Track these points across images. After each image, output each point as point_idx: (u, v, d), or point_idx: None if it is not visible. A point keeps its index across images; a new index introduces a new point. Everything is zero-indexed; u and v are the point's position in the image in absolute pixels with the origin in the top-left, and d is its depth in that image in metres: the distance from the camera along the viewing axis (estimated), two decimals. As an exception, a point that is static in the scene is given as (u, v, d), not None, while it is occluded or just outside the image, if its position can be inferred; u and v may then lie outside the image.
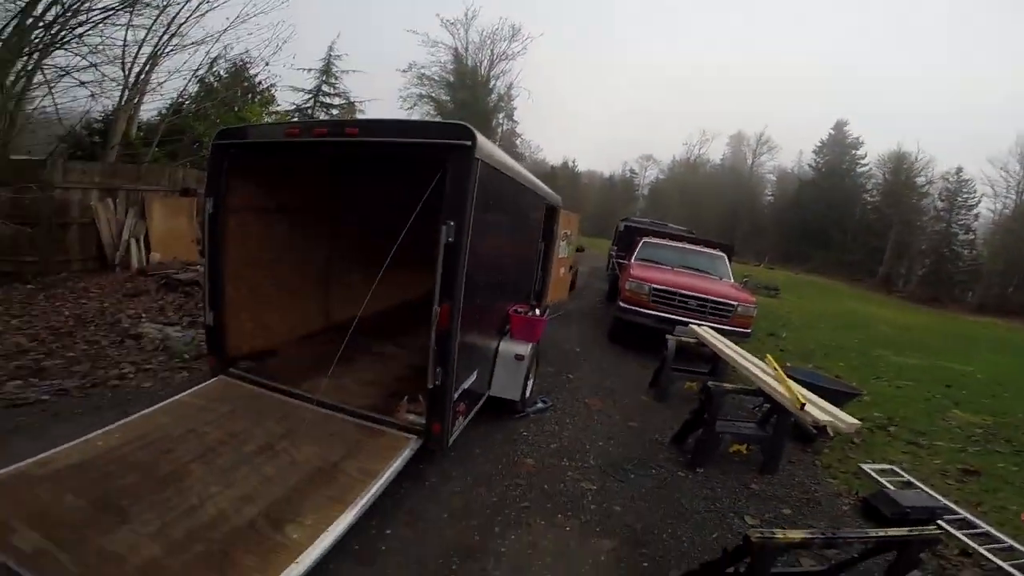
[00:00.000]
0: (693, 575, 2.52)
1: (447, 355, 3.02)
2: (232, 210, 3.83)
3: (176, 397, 3.42)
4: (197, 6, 11.39)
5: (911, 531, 2.25)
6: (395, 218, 6.92)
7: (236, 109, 14.47)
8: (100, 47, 10.16)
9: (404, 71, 37.07)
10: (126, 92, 11.10)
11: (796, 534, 2.10)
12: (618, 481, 3.82)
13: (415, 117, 37.14)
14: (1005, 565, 3.34)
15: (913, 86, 70.47)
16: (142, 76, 11.36)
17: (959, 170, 41.49)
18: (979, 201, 40.80)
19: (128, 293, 7.37)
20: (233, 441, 2.89)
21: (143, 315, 6.40)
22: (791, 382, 4.13)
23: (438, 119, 35.88)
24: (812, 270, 42.52)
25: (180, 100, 13.13)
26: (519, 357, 4.35)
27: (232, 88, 14.60)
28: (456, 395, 3.25)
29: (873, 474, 4.59)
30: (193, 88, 13.47)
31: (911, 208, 43.05)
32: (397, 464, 2.88)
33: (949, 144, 69.60)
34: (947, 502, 4.13)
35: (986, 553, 3.46)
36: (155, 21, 10.89)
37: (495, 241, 3.81)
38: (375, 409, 3.49)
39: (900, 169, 44.73)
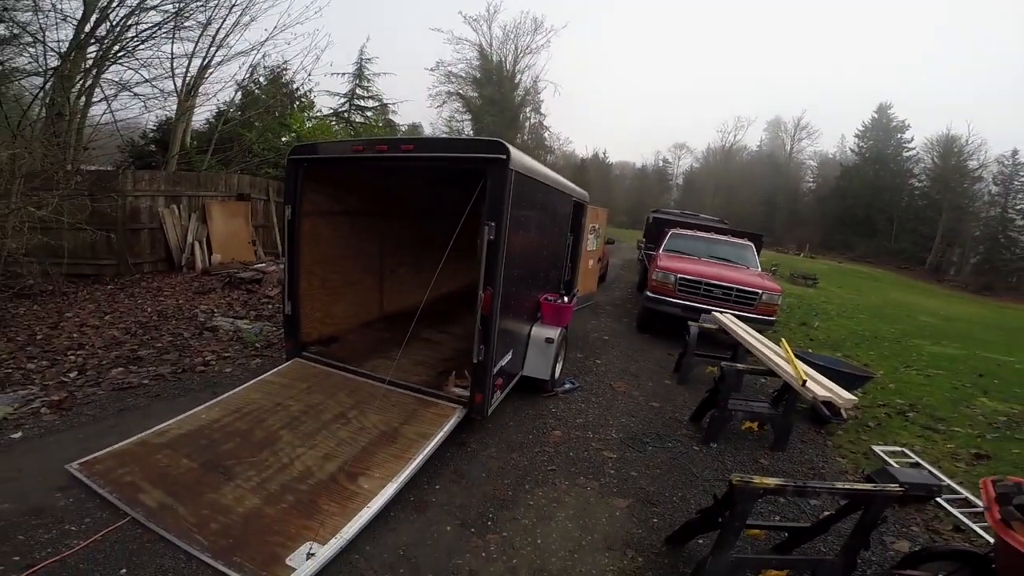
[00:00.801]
0: (691, 525, 2.92)
1: (488, 335, 3.57)
2: (305, 215, 4.50)
3: (261, 377, 4.11)
4: (238, 19, 12.18)
5: (875, 486, 2.53)
6: (437, 219, 7.60)
7: (276, 114, 15.38)
8: (151, 60, 11.03)
9: (431, 70, 37.96)
10: (179, 103, 11.95)
11: (771, 480, 2.41)
12: (636, 452, 4.27)
13: (444, 114, 38.01)
14: (992, 540, 3.59)
15: (962, 65, 66.69)
16: (192, 87, 12.21)
17: (1014, 153, 39.41)
18: (1038, 185, 38.61)
19: (198, 291, 8.24)
20: (312, 412, 3.53)
21: (215, 310, 7.22)
22: (798, 362, 4.46)
23: (469, 119, 36.54)
24: (857, 259, 41.21)
25: (227, 109, 14.05)
26: (549, 340, 4.87)
27: (273, 96, 15.47)
28: (495, 371, 3.78)
29: (882, 455, 4.79)
30: (238, 97, 14.40)
31: (962, 193, 41.12)
32: (447, 428, 3.46)
33: (1003, 126, 65.62)
34: (951, 482, 4.31)
35: (977, 529, 3.66)
36: (201, 35, 11.71)
37: (528, 237, 4.33)
38: (427, 384, 4.11)
39: (950, 153, 42.78)
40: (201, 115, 14.08)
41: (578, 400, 5.26)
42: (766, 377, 5.85)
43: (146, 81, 11.12)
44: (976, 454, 5.09)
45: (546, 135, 43.56)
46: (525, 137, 40.02)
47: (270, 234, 12.27)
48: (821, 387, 4.09)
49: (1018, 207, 39.28)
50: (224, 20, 11.90)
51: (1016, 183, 39.46)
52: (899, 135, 48.10)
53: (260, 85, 15.77)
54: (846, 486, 2.57)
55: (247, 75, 14.07)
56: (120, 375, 4.86)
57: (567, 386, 5.48)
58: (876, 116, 49.63)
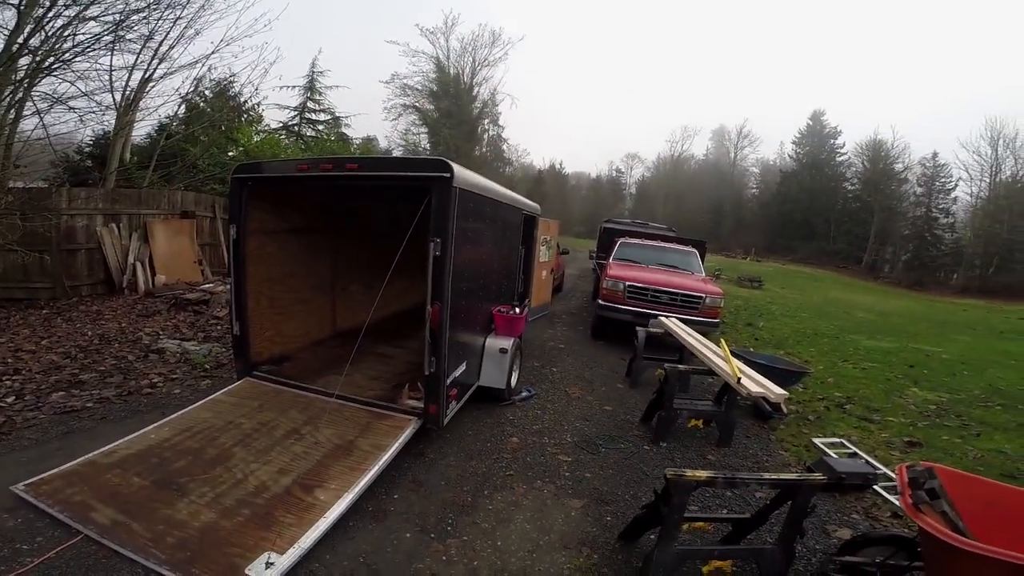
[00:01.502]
0: (639, 520, 3.06)
1: (439, 347, 3.65)
2: (251, 233, 4.47)
3: (211, 396, 4.04)
4: (182, 32, 11.77)
5: (799, 476, 2.74)
6: (388, 236, 7.61)
7: (223, 129, 14.98)
8: (88, 73, 10.48)
9: (386, 83, 37.76)
10: (118, 117, 11.42)
11: (702, 473, 2.57)
12: (590, 454, 4.42)
13: (400, 127, 37.83)
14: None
15: (885, 72, 71.97)
16: (133, 101, 11.69)
17: (935, 155, 42.82)
18: (956, 185, 42.12)
19: (142, 314, 7.92)
20: (265, 429, 3.51)
21: (161, 333, 6.96)
22: (734, 360, 4.76)
23: (425, 132, 36.48)
24: (799, 261, 43.47)
25: (170, 123, 13.54)
26: (503, 351, 5.00)
27: (219, 109, 15.05)
28: (448, 382, 3.86)
29: (822, 446, 5.07)
30: (182, 111, 13.87)
31: (891, 195, 44.16)
32: (402, 439, 3.50)
33: (922, 129, 71.26)
34: (886, 470, 4.56)
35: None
36: (142, 47, 11.27)
37: (477, 252, 4.45)
38: (381, 398, 4.15)
39: (878, 157, 45.87)
40: (142, 129, 13.54)
41: (535, 407, 5.39)
42: (712, 377, 6.15)
43: (83, 95, 10.53)
44: (909, 442, 5.42)
45: (504, 147, 44.10)
46: (484, 149, 40.38)
47: (217, 252, 11.87)
48: (754, 383, 4.38)
49: (940, 207, 42.49)
50: (168, 33, 11.52)
51: (937, 184, 42.71)
52: (832, 141, 51.25)
53: (206, 99, 15.33)
54: (772, 476, 2.76)
55: (191, 88, 13.63)
56: (61, 399, 4.67)
57: (524, 394, 5.60)
58: (811, 123, 52.68)
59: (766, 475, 2.80)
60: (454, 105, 37.33)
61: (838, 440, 5.32)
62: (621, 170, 67.42)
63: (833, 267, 41.96)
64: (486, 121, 40.53)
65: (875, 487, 4.06)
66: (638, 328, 6.60)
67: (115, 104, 11.33)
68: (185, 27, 11.72)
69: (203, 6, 11.71)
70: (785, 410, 5.84)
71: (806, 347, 10.48)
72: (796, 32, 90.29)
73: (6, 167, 8.90)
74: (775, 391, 4.23)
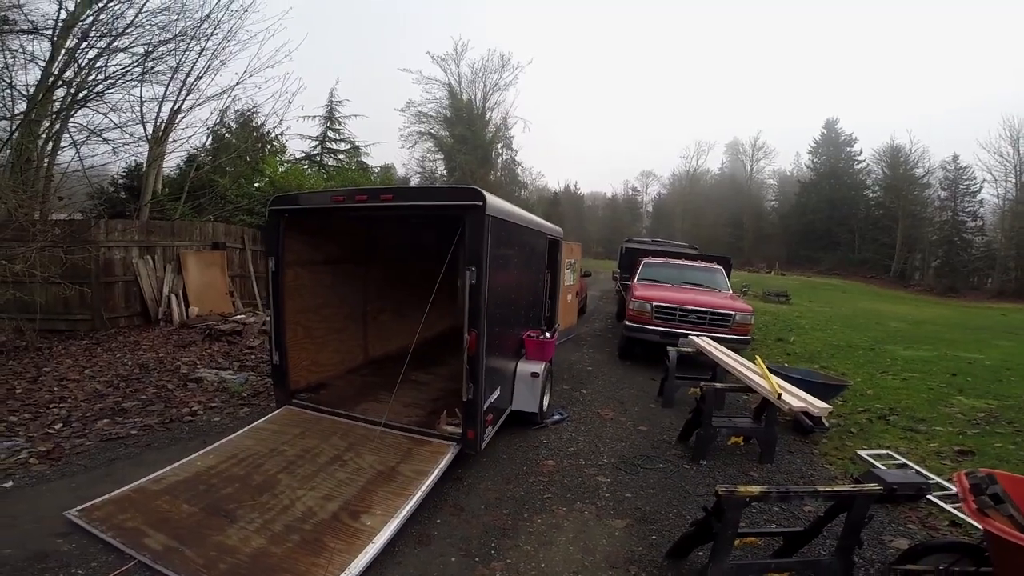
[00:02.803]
0: (688, 537, 3.01)
1: (476, 373, 3.67)
2: (288, 265, 4.58)
3: (253, 424, 4.11)
4: (208, 63, 12.28)
5: (854, 487, 2.70)
6: (415, 264, 7.73)
7: (248, 159, 15.47)
8: (120, 104, 11.01)
9: (401, 111, 38.75)
10: (150, 148, 11.86)
11: (754, 488, 2.54)
12: (629, 475, 4.36)
13: (417, 154, 38.59)
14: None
15: (895, 78, 71.27)
16: (163, 132, 12.15)
17: (955, 158, 41.95)
18: (981, 187, 41.02)
19: (178, 344, 8.13)
20: (308, 455, 3.55)
21: (197, 362, 7.14)
22: (772, 376, 4.67)
23: (441, 159, 37.09)
24: (824, 272, 42.59)
25: (198, 154, 14.03)
26: (534, 375, 4.99)
27: (244, 140, 15.53)
28: (485, 407, 3.87)
29: (868, 458, 4.92)
30: (208, 142, 14.41)
31: (914, 200, 43.19)
32: (443, 464, 3.50)
33: (937, 133, 70.18)
34: (939, 479, 4.44)
35: (972, 521, 3.67)
36: (171, 78, 11.76)
37: (508, 278, 4.49)
38: (419, 424, 4.17)
39: (896, 162, 45.09)
40: (172, 161, 14.03)
41: (568, 429, 5.34)
42: (747, 394, 6.05)
43: (116, 127, 11.07)
44: (960, 450, 5.23)
45: (519, 170, 44.62)
46: (498, 174, 40.91)
47: (247, 284, 12.14)
48: (796, 399, 4.31)
49: (966, 210, 41.36)
50: (194, 64, 12.01)
51: (960, 187, 41.65)
52: (848, 148, 50.60)
53: (231, 129, 15.88)
54: (827, 488, 2.72)
55: (217, 120, 14.10)
56: (106, 426, 4.83)
57: (556, 417, 5.56)
58: (825, 132, 52.25)
59: (820, 487, 2.76)
60: (468, 130, 38.01)
61: (884, 452, 5.17)
62: (637, 188, 67.47)
63: (861, 277, 41.00)
64: (499, 145, 41.16)
65: (929, 497, 3.95)
66: (669, 348, 6.55)
67: (147, 135, 11.79)
68: (211, 58, 12.26)
69: (226, 37, 12.25)
70: (827, 424, 5.69)
71: (841, 360, 10.20)
72: (803, 42, 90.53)
73: (47, 199, 9.28)
74: (818, 405, 4.17)
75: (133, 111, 11.37)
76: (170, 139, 12.52)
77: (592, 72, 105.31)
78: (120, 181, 13.20)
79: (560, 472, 4.31)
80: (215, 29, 11.90)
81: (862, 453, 5.10)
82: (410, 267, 7.40)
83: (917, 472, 4.55)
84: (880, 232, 44.69)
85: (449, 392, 5.08)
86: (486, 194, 3.62)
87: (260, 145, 16.38)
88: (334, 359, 5.46)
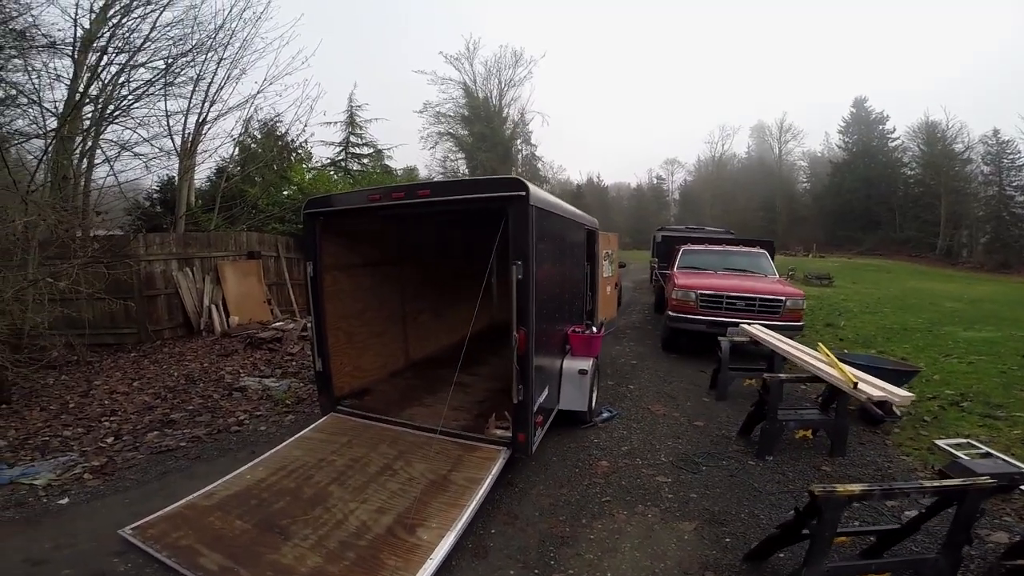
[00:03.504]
0: (772, 540, 2.78)
1: (526, 374, 3.48)
2: (326, 269, 4.47)
3: (300, 434, 4.02)
4: (228, 72, 12.35)
5: (965, 481, 2.43)
6: (450, 261, 7.55)
7: (275, 168, 15.60)
8: (147, 119, 11.15)
9: (420, 112, 38.77)
10: (180, 161, 12.01)
11: (855, 487, 2.34)
12: (691, 473, 4.11)
13: (438, 155, 38.65)
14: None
15: (922, 51, 67.65)
16: (191, 145, 12.27)
17: (996, 132, 39.34)
18: (1027, 160, 38.41)
19: (220, 354, 8.21)
20: (358, 465, 3.43)
21: (240, 371, 7.17)
22: (842, 364, 4.33)
23: (463, 158, 37.06)
24: (865, 253, 40.94)
25: (225, 165, 14.17)
26: (583, 372, 4.75)
27: (270, 149, 15.65)
28: (535, 408, 3.66)
29: (949, 448, 4.60)
30: (235, 153, 14.54)
31: (956, 176, 40.96)
32: (495, 470, 3.33)
33: (976, 106, 66.41)
34: None
35: None
36: (193, 90, 11.86)
37: (552, 272, 4.27)
38: (467, 429, 4.01)
39: (934, 139, 42.88)
40: (202, 173, 14.22)
41: (619, 427, 5.11)
42: (804, 384, 5.69)
43: (145, 140, 11.24)
44: None
45: (539, 165, 44.19)
46: (519, 169, 40.62)
47: (283, 291, 12.27)
48: (874, 388, 3.97)
49: (1014, 184, 38.98)
50: (215, 74, 12.12)
51: (1005, 161, 39.27)
52: (880, 126, 48.29)
53: (256, 140, 16.09)
54: (935, 484, 2.50)
55: (242, 130, 14.29)
56: (156, 438, 4.86)
57: (605, 415, 5.33)
58: (854, 111, 49.96)
59: (926, 482, 2.60)
60: (487, 128, 37.85)
61: (964, 440, 4.83)
62: (662, 176, 66.01)
63: (905, 256, 39.19)
64: (519, 141, 40.79)
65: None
66: (721, 338, 6.23)
67: (175, 148, 11.98)
68: (230, 68, 12.34)
69: (242, 46, 12.33)
70: (898, 412, 5.31)
71: (898, 344, 9.64)
72: (820, 14, 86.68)
73: (87, 215, 9.50)
74: (900, 394, 3.84)
75: (160, 125, 11.58)
76: (198, 151, 12.70)
77: (608, 61, 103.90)
78: (155, 195, 13.47)
79: (616, 473, 4.09)
80: (231, 39, 12.03)
81: (941, 443, 4.78)
82: (444, 265, 7.27)
83: (1006, 461, 4.21)
84: (922, 210, 42.56)
85: (494, 393, 4.91)
86: (528, 183, 3.42)
87: (286, 153, 16.56)
88: (376, 363, 5.36)
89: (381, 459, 3.52)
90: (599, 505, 3.59)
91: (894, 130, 47.40)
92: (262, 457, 3.64)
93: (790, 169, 57.89)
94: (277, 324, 9.80)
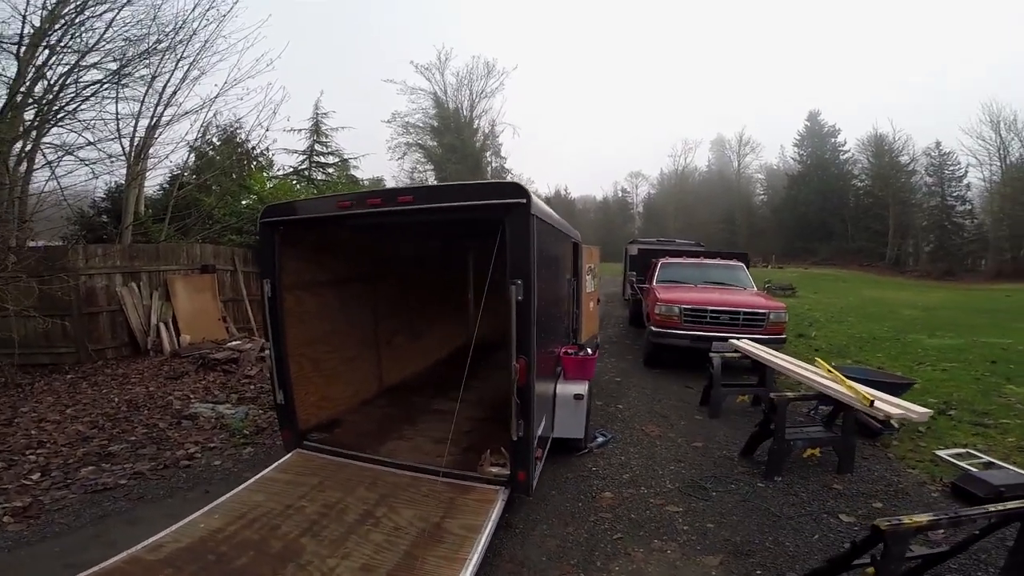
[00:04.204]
0: (819, 572, 2.57)
1: (528, 408, 3.06)
2: (286, 288, 3.87)
3: (261, 474, 3.45)
4: (186, 73, 11.48)
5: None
6: (428, 277, 7.01)
7: (234, 176, 14.69)
8: (94, 121, 10.15)
9: (388, 122, 38.06)
10: (129, 167, 11.04)
11: (922, 518, 2.23)
12: (701, 500, 3.81)
13: (406, 166, 37.96)
14: None
15: (870, 66, 72.01)
16: (141, 150, 11.33)
17: (938, 144, 42.13)
18: (966, 171, 41.17)
19: (169, 376, 7.45)
20: (333, 513, 2.91)
21: (191, 396, 6.47)
22: (851, 381, 4.17)
23: (431, 169, 36.53)
24: (821, 263, 42.49)
25: (180, 172, 13.23)
26: (578, 396, 4.35)
27: (228, 156, 14.72)
28: (535, 443, 3.27)
29: (951, 459, 4.53)
30: (191, 159, 13.61)
31: (903, 187, 43.32)
32: (494, 515, 2.88)
33: (919, 120, 71.17)
34: None
35: None
36: (147, 91, 10.95)
37: (547, 289, 3.82)
38: (456, 465, 3.52)
39: (881, 151, 45.21)
40: (154, 180, 13.28)
41: (615, 453, 4.76)
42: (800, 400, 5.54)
43: (91, 144, 10.23)
44: None
45: (509, 177, 44.06)
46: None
47: (240, 307, 11.41)
48: (891, 405, 3.84)
49: (954, 194, 41.54)
50: (171, 75, 11.29)
51: (946, 172, 41.84)
52: (832, 139, 50.59)
53: (214, 146, 15.19)
54: (1000, 508, 2.42)
55: (199, 134, 13.31)
56: (92, 475, 4.22)
57: (599, 440, 4.96)
58: (808, 124, 52.17)
59: (990, 507, 2.44)
60: (457, 139, 37.51)
61: (963, 451, 4.77)
62: (627, 190, 67.20)
63: (857, 266, 40.89)
64: (488, 153, 40.56)
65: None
66: (712, 354, 6.05)
67: (124, 153, 11.00)
68: (189, 68, 11.51)
69: (204, 46, 11.54)
70: (896, 425, 5.18)
71: (871, 353, 9.75)
72: (778, 35, 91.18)
73: (7, 223, 8.50)
74: (917, 410, 3.71)
75: (109, 128, 10.64)
76: (149, 156, 11.81)
77: (577, 76, 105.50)
78: (101, 204, 12.40)
79: (622, 505, 3.73)
80: (192, 38, 11.25)
81: (942, 454, 4.70)
82: (420, 280, 6.77)
83: (1017, 472, 4.14)
84: (872, 220, 44.72)
85: (482, 423, 4.44)
86: (529, 189, 3.03)
87: (245, 161, 15.67)
88: (346, 392, 4.78)
89: (360, 505, 3.00)
90: (611, 544, 3.22)
91: (845, 143, 49.82)
92: (218, 501, 3.07)
93: (748, 182, 59.89)
94: (233, 343, 9.06)
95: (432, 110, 38.52)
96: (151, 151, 11.70)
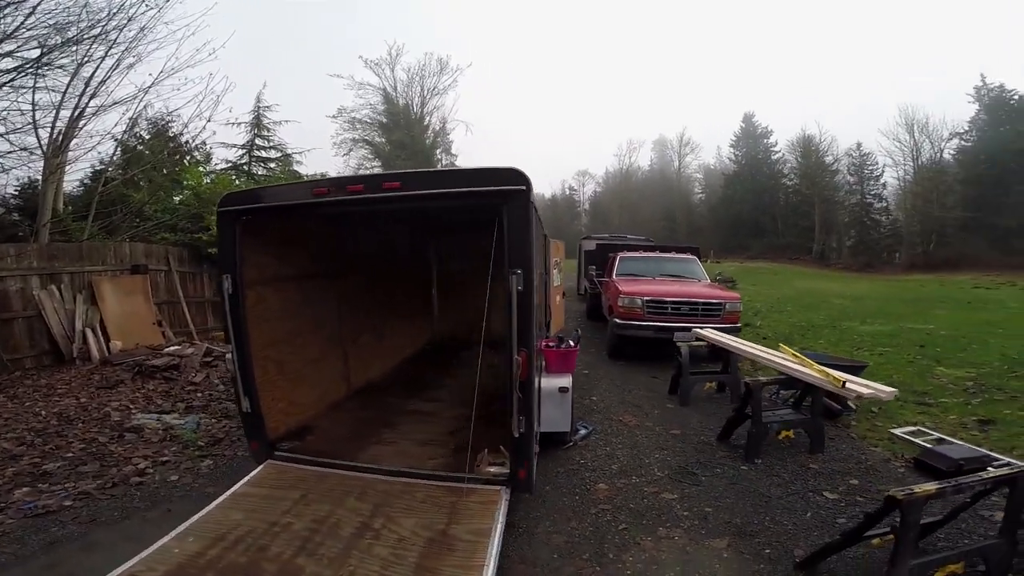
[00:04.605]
0: (833, 547, 2.72)
1: (530, 404, 2.95)
2: (248, 285, 3.52)
3: (233, 489, 3.11)
4: (117, 62, 10.39)
5: (1013, 468, 2.68)
6: (391, 270, 6.68)
7: (165, 172, 13.58)
8: (6, 112, 9.15)
9: (333, 118, 36.46)
10: (46, 160, 9.93)
11: (930, 487, 2.41)
12: (693, 486, 3.90)
13: (352, 162, 36.53)
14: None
15: (801, 70, 77.05)
16: (62, 142, 10.21)
17: (859, 145, 45.27)
18: (883, 171, 44.43)
19: (102, 385, 6.74)
20: (324, 528, 2.66)
21: (131, 406, 5.88)
22: (819, 366, 4.41)
23: (379, 166, 35.43)
24: (754, 258, 44.78)
25: (105, 167, 12.15)
26: (563, 389, 4.28)
27: (160, 150, 13.65)
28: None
29: (906, 437, 4.84)
30: (117, 153, 12.45)
31: (827, 186, 46.39)
32: (501, 517, 2.75)
33: (843, 121, 76.84)
34: (987, 451, 4.36)
35: None
36: (70, 82, 9.85)
37: (537, 281, 3.75)
38: (449, 467, 3.35)
39: (809, 151, 48.07)
40: (75, 175, 12.15)
41: (599, 444, 4.77)
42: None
43: (2, 136, 9.23)
44: (980, 420, 5.30)
45: (459, 175, 43.25)
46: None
47: (176, 310, 10.54)
48: (861, 385, 4.06)
49: (872, 192, 45.12)
50: (101, 61, 10.19)
51: (866, 171, 45.30)
52: (765, 140, 53.18)
53: (143, 139, 13.97)
54: (996, 474, 2.64)
55: (127, 127, 12.17)
56: (28, 496, 3.73)
57: (582, 432, 4.94)
58: (744, 125, 54.60)
59: (986, 474, 2.68)
60: (407, 136, 36.44)
61: (915, 428, 5.11)
62: (574, 188, 68.26)
63: (787, 260, 43.38)
64: (439, 151, 39.74)
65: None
66: (680, 344, 6.22)
67: (41, 146, 9.90)
68: (122, 55, 10.43)
69: (140, 32, 10.47)
70: (853, 406, 5.50)
71: (813, 340, 10.34)
72: (716, 36, 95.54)
73: None
74: (885, 390, 3.93)
75: (25, 117, 9.54)
76: (71, 149, 10.66)
77: (529, 77, 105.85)
78: (12, 201, 11.13)
79: (619, 496, 3.73)
80: (128, 24, 10.22)
81: (897, 432, 5.01)
82: (384, 274, 6.48)
83: (968, 447, 4.45)
84: (800, 217, 47.63)
85: (466, 421, 4.27)
86: (528, 176, 2.90)
87: (177, 156, 14.49)
88: (313, 395, 4.45)
89: (354, 517, 2.75)
90: (618, 535, 3.21)
91: (776, 144, 52.58)
92: (190, 522, 2.73)
93: (688, 181, 62.21)
94: (172, 349, 8.36)
95: (381, 106, 37.17)
96: (73, 143, 10.55)
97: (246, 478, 3.28)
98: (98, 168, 12.15)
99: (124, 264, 9.64)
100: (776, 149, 52.31)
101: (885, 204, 44.67)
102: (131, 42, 10.42)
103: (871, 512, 2.55)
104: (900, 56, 70.15)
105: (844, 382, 3.99)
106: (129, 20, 10.16)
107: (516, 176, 2.87)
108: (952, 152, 39.50)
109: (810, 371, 4.40)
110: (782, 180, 50.97)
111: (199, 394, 6.50)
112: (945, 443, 4.60)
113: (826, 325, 12.43)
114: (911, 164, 41.87)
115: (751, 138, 53.52)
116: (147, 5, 10.29)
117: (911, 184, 41.42)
